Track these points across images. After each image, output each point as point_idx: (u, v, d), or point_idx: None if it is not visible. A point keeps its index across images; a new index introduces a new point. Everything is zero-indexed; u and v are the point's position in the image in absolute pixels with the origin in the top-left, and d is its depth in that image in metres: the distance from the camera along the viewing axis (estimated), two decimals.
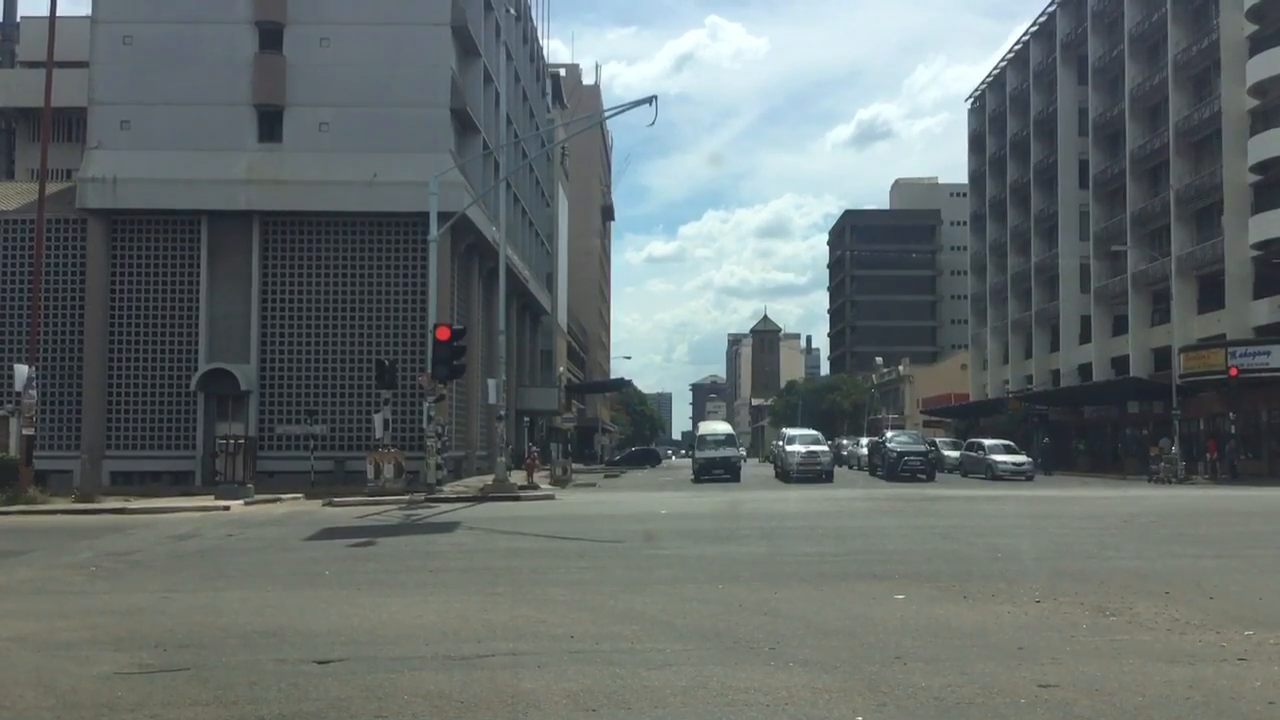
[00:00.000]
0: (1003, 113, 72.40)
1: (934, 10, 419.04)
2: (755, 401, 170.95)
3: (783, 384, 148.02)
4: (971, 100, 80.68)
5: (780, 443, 41.95)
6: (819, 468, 36.31)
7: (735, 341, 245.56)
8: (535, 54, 57.11)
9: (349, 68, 34.29)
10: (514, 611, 8.78)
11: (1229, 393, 39.61)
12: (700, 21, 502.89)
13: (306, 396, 34.11)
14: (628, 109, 25.17)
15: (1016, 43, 70.60)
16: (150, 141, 33.80)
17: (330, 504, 23.42)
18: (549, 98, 64.90)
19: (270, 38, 34.68)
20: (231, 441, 29.22)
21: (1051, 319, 63.68)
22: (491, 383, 31.00)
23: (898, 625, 8.02)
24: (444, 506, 22.63)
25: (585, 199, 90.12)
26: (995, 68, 74.78)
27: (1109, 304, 56.41)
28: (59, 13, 26.01)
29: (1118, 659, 6.77)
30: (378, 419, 27.85)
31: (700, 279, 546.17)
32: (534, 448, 40.18)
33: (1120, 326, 54.93)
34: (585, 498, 27.25)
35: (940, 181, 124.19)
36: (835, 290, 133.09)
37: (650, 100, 23.51)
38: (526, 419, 52.35)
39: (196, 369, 33.81)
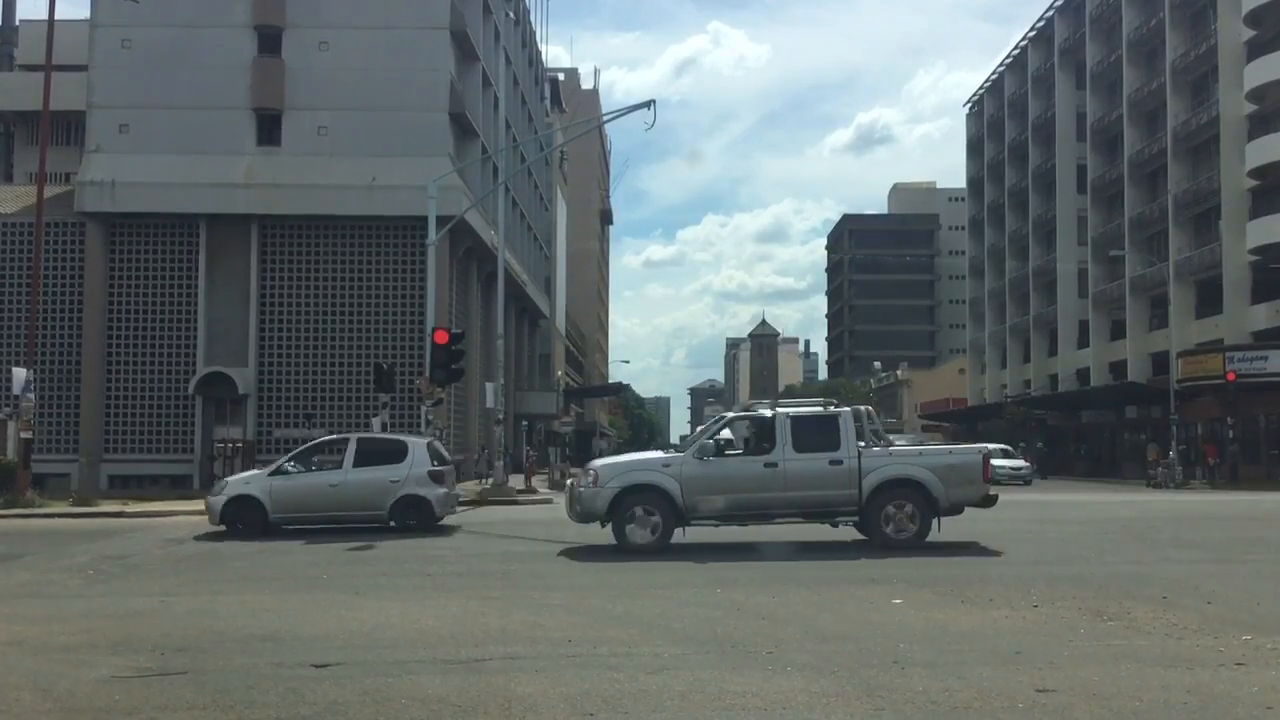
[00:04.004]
0: (1001, 118, 72.48)
1: (934, 15, 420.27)
2: None
3: (781, 388, 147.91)
4: (970, 105, 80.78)
5: None
6: None
7: (733, 346, 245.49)
8: (534, 58, 57.17)
9: (348, 72, 34.32)
10: (511, 616, 8.78)
11: (1227, 398, 39.61)
12: (700, 27, 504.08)
13: (305, 400, 34.10)
14: (626, 113, 25.20)
15: (1015, 48, 70.68)
16: (149, 145, 33.80)
17: None
18: (548, 102, 64.96)
19: (269, 42, 34.72)
20: (230, 445, 29.23)
21: (1049, 323, 63.72)
22: (489, 386, 30.97)
23: (895, 630, 8.02)
24: None
25: (584, 203, 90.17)
26: (993, 73, 74.89)
27: (1107, 309, 56.44)
28: (58, 16, 26.03)
29: (1115, 663, 6.77)
30: (376, 423, 27.77)
31: (699, 283, 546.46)
32: (532, 452, 40.15)
33: (1118, 331, 54.96)
34: None
35: (939, 186, 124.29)
36: (834, 295, 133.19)
37: (649, 104, 23.50)
38: (525, 423, 52.31)
39: (195, 372, 33.80)
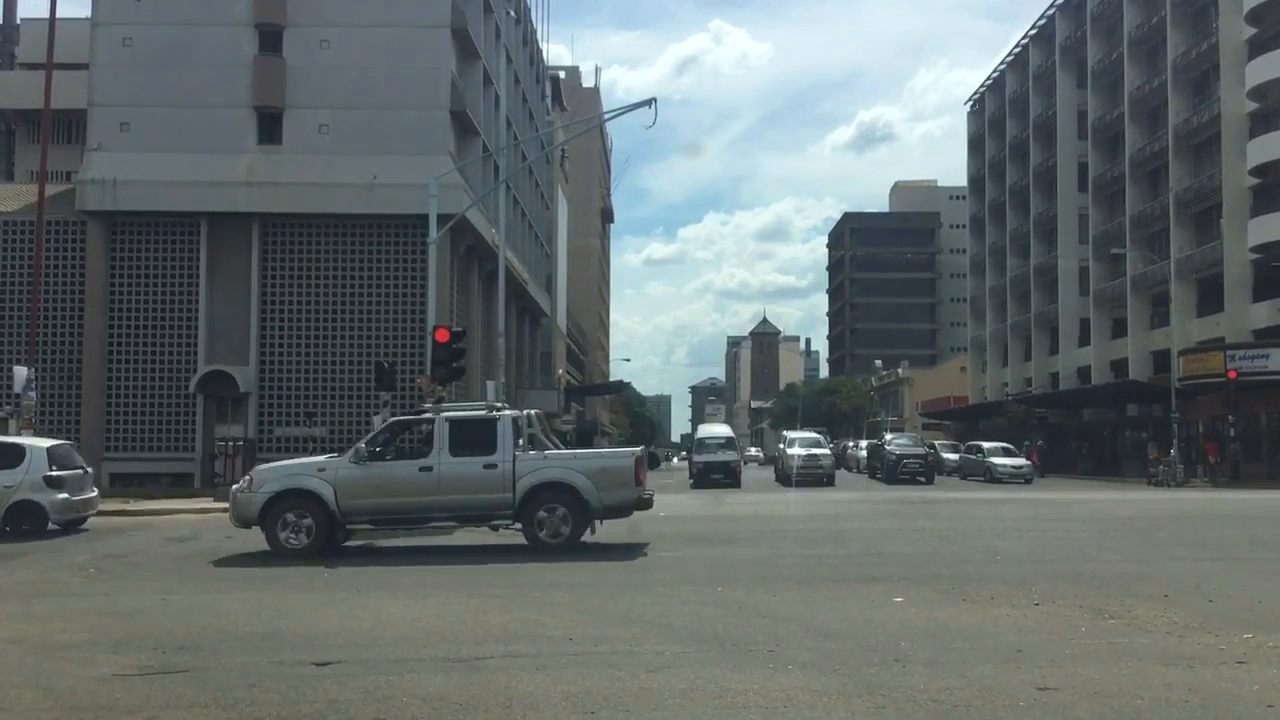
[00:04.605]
0: (1002, 116, 72.44)
1: (934, 13, 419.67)
2: (754, 404, 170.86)
3: (782, 386, 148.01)
4: (971, 103, 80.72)
5: (783, 445, 41.64)
6: (820, 471, 35.69)
7: (734, 344, 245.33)
8: (535, 56, 57.13)
9: (349, 70, 34.29)
10: (512, 614, 8.78)
11: (1228, 396, 39.60)
12: (702, 25, 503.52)
13: (306, 398, 34.09)
14: (627, 111, 25.23)
15: (1016, 46, 70.64)
16: (150, 143, 33.78)
17: None
18: (549, 100, 64.91)
19: (270, 40, 34.68)
20: (231, 443, 29.19)
21: (1050, 322, 63.70)
22: (490, 385, 30.93)
23: (897, 628, 8.02)
24: None
25: (585, 201, 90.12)
26: (995, 71, 74.85)
27: (1108, 307, 56.42)
28: (59, 15, 26.03)
29: (1117, 662, 6.77)
30: (377, 421, 27.73)
31: (700, 281, 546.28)
32: None
33: (1119, 329, 54.94)
34: None
35: (940, 184, 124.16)
36: (835, 293, 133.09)
37: (650, 102, 23.49)
38: None
39: (196, 371, 33.80)
